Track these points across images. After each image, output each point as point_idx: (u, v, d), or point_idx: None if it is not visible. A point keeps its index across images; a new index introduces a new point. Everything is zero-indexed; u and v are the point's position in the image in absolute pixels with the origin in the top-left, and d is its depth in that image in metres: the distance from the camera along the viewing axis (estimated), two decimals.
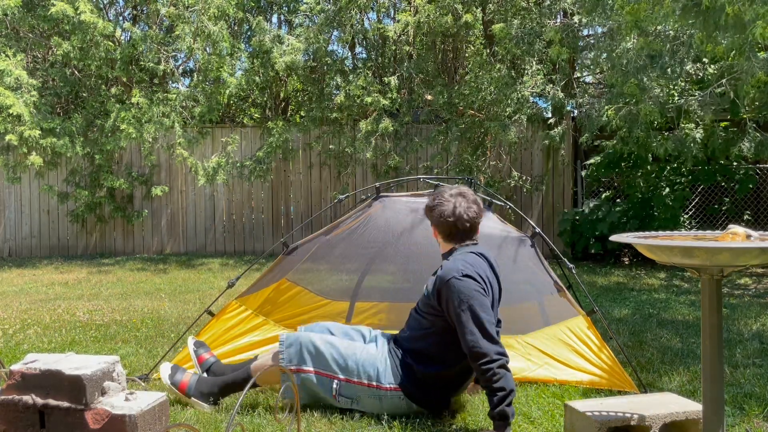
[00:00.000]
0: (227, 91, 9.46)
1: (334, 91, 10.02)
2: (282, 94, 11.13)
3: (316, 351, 3.01)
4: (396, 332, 3.24)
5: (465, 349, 2.76)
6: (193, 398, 3.13)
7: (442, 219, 2.99)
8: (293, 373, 2.95)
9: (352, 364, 2.99)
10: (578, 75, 10.38)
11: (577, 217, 8.95)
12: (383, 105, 9.03)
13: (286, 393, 2.86)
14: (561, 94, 8.38)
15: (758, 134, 7.52)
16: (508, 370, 2.73)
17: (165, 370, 3.22)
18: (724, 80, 7.14)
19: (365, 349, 3.07)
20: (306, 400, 3.04)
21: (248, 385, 2.20)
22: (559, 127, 8.76)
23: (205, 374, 3.32)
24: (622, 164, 9.03)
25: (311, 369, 2.99)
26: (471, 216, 2.99)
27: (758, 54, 5.66)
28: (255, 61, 9.80)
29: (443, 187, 3.17)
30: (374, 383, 2.97)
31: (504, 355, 2.75)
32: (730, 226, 2.29)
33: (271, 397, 3.25)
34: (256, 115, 11.94)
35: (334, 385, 2.98)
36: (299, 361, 3.00)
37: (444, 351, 2.95)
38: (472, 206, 3.00)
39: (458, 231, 3.00)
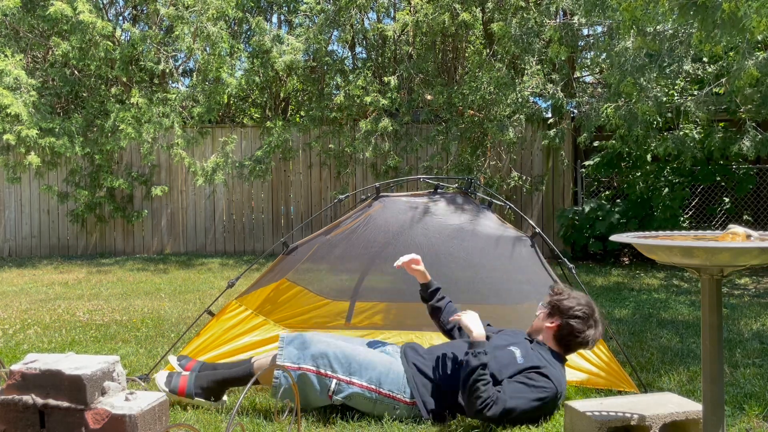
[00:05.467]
0: (227, 91, 9.46)
1: (334, 91, 10.01)
2: (282, 94, 11.12)
3: (318, 350, 2.99)
4: (397, 332, 3.20)
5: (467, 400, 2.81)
6: (196, 398, 3.13)
7: (580, 337, 3.02)
8: (293, 371, 2.94)
9: (355, 365, 2.99)
10: (578, 75, 10.37)
11: (577, 217, 8.95)
12: (383, 105, 9.03)
13: (285, 394, 2.86)
14: (561, 94, 8.37)
15: (758, 133, 7.52)
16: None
17: (161, 378, 3.20)
18: (723, 80, 7.14)
19: (369, 352, 3.09)
20: (300, 402, 3.03)
21: (250, 383, 2.21)
22: (557, 128, 8.76)
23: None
24: (622, 164, 9.03)
25: (312, 368, 2.98)
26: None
27: (756, 53, 5.65)
28: (255, 61, 9.80)
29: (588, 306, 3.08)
30: (373, 386, 2.97)
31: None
32: (730, 226, 2.28)
33: (270, 398, 3.25)
34: (256, 115, 11.94)
35: (333, 385, 2.97)
36: (299, 359, 2.99)
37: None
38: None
39: (574, 345, 3.07)
